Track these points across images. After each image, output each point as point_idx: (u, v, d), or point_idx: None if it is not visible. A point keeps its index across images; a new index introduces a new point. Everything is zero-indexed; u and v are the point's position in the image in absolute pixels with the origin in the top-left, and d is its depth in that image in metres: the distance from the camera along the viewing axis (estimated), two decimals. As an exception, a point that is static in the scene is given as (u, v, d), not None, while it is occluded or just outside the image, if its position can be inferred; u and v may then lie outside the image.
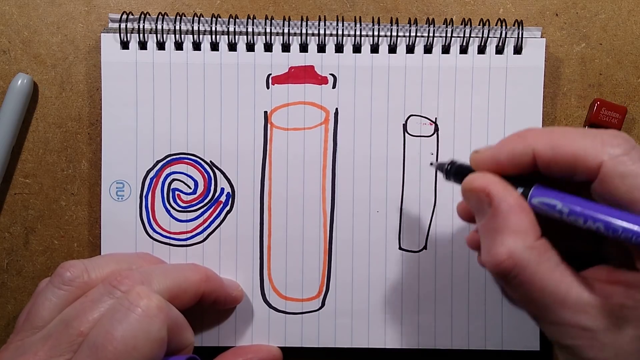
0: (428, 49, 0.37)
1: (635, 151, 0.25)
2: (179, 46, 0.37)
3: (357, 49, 0.37)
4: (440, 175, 0.37)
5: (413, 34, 0.37)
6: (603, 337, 0.25)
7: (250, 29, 0.37)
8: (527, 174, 0.27)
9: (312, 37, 0.37)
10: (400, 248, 0.37)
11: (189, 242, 0.37)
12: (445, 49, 0.37)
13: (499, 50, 0.37)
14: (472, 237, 0.31)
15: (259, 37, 0.37)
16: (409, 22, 0.37)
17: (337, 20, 0.37)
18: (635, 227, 0.24)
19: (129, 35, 0.37)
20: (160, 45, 0.37)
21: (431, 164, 0.36)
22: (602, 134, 0.25)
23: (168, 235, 0.37)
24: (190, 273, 0.33)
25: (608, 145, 0.25)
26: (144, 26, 0.36)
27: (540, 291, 0.25)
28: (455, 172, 0.30)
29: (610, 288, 0.26)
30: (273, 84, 0.37)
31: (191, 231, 0.37)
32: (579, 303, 0.25)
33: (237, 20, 0.37)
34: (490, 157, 0.28)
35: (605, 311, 0.25)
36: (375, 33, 0.37)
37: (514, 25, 0.37)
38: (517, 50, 0.37)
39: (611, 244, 0.27)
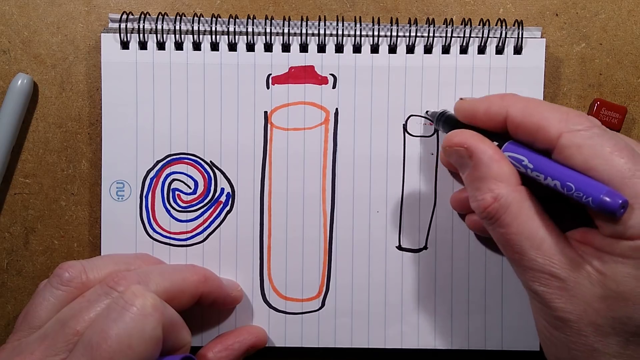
0: (428, 49, 0.37)
1: (596, 129, 0.27)
2: (179, 46, 0.37)
3: (357, 49, 0.37)
4: (440, 175, 0.37)
5: (413, 34, 0.37)
6: (572, 288, 0.26)
7: (250, 29, 0.37)
8: (500, 131, 0.30)
9: (312, 37, 0.37)
10: (400, 248, 0.37)
11: (189, 242, 0.37)
12: (446, 49, 0.37)
13: (499, 51, 0.37)
14: (456, 196, 0.36)
15: (259, 37, 0.37)
16: (409, 22, 0.37)
17: (337, 20, 0.37)
18: (585, 187, 0.26)
19: (129, 35, 0.37)
20: (161, 45, 0.37)
21: (427, 112, 0.37)
22: (569, 111, 0.28)
23: (168, 235, 0.37)
24: (188, 274, 0.33)
25: (571, 122, 0.27)
26: (144, 26, 0.36)
27: (518, 234, 0.27)
28: (445, 120, 0.34)
29: (583, 247, 0.27)
30: (273, 84, 0.37)
31: (191, 231, 0.37)
32: (553, 251, 0.27)
33: (237, 20, 0.37)
34: (470, 107, 0.31)
35: (577, 265, 0.27)
36: (375, 33, 0.37)
37: (514, 25, 0.37)
38: (517, 50, 0.37)
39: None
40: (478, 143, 0.29)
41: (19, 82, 0.37)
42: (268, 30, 0.37)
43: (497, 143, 0.30)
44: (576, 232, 0.29)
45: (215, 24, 0.37)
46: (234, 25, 0.37)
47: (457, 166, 0.31)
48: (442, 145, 0.31)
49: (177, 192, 0.37)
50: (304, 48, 0.37)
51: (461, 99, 0.33)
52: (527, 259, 0.27)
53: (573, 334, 0.27)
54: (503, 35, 0.37)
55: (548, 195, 0.29)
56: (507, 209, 0.27)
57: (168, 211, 0.37)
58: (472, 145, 0.29)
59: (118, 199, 0.37)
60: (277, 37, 0.37)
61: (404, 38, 0.37)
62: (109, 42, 0.37)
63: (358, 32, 0.37)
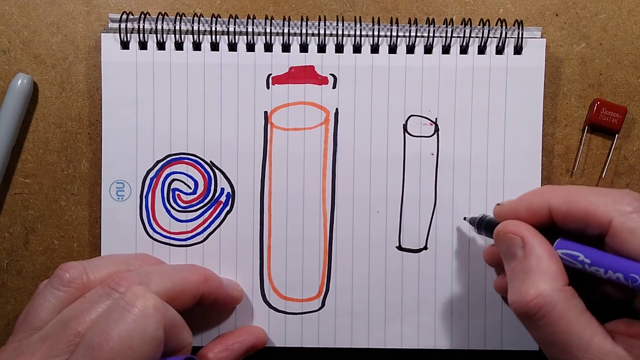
0: (428, 49, 0.37)
1: None
2: (179, 46, 0.37)
3: (357, 49, 0.37)
4: (440, 175, 0.37)
5: (413, 34, 0.37)
6: None
7: (250, 29, 0.37)
8: (545, 227, 0.30)
9: (312, 37, 0.37)
10: (400, 248, 0.37)
11: (189, 242, 0.37)
12: (446, 49, 0.37)
13: (499, 51, 0.37)
14: (500, 282, 0.35)
15: (259, 37, 0.37)
16: (409, 22, 0.37)
17: (337, 20, 0.37)
18: None
19: (129, 35, 0.37)
20: (161, 45, 0.37)
21: (464, 218, 0.37)
22: (614, 192, 0.28)
23: (168, 235, 0.37)
24: (189, 274, 0.33)
25: (618, 203, 0.27)
26: (144, 26, 0.36)
27: (566, 333, 0.27)
28: (486, 225, 0.33)
29: (630, 340, 0.27)
30: (273, 84, 0.37)
31: (191, 231, 0.37)
32: (601, 350, 0.26)
33: (237, 20, 0.37)
34: (511, 209, 0.31)
35: None
36: (376, 33, 0.37)
37: (514, 25, 0.37)
38: (517, 50, 0.37)
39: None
40: (532, 236, 0.29)
41: (19, 82, 0.37)
42: (268, 30, 0.37)
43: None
44: (618, 323, 0.28)
45: (215, 24, 0.37)
46: (234, 25, 0.37)
47: (504, 255, 0.30)
48: (495, 231, 0.31)
49: (177, 192, 0.37)
50: (304, 48, 0.37)
51: (498, 205, 0.32)
52: (576, 359, 0.27)
53: None
54: (503, 35, 0.37)
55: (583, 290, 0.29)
56: (553, 307, 0.27)
57: (168, 211, 0.37)
58: (527, 237, 0.29)
59: (118, 199, 0.37)
60: (277, 37, 0.37)
61: (404, 38, 0.37)
62: (109, 42, 0.37)
63: (358, 32, 0.37)
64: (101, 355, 0.27)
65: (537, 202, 0.30)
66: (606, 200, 0.27)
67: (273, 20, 0.37)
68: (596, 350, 0.26)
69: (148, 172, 0.37)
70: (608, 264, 0.27)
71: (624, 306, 0.30)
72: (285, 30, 0.37)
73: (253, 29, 0.37)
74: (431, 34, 0.37)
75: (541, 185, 0.37)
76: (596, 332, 0.27)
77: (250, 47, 0.37)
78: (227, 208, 0.37)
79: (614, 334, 0.27)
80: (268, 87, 0.37)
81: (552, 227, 0.30)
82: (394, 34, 0.37)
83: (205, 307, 0.35)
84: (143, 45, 0.37)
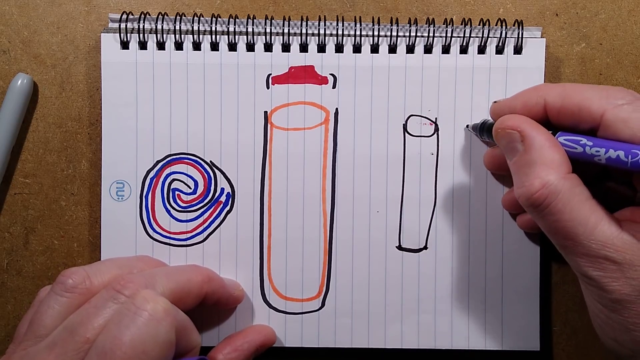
0: (428, 49, 0.37)
1: (639, 102, 0.27)
2: (179, 46, 0.37)
3: (357, 49, 0.37)
4: (440, 175, 0.37)
5: (413, 34, 0.37)
6: (628, 271, 0.26)
7: (250, 29, 0.37)
8: (542, 124, 0.30)
9: (312, 37, 0.37)
10: (400, 248, 0.37)
11: (189, 242, 0.37)
12: (446, 49, 0.37)
13: (499, 51, 0.37)
14: (507, 197, 0.36)
15: (259, 37, 0.37)
16: (409, 22, 0.37)
17: (337, 20, 0.37)
18: None
19: (129, 35, 0.37)
20: (160, 45, 0.37)
21: (467, 126, 0.37)
22: (608, 88, 0.28)
23: (168, 235, 0.37)
24: (192, 274, 0.33)
25: (612, 97, 0.27)
26: (144, 26, 0.36)
27: (571, 221, 0.27)
28: (488, 128, 0.33)
29: (636, 226, 0.27)
30: (273, 84, 0.37)
31: (191, 231, 0.37)
32: (607, 235, 0.27)
33: (237, 20, 0.37)
34: (507, 106, 0.31)
35: (632, 246, 0.26)
36: (375, 33, 0.37)
37: (514, 25, 0.37)
38: (517, 50, 0.37)
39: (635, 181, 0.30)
40: (531, 127, 0.29)
41: (19, 82, 0.37)
42: (268, 30, 0.37)
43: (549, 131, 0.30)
44: (625, 211, 0.29)
45: (215, 24, 0.37)
46: (234, 25, 0.37)
47: (505, 151, 0.31)
48: (494, 128, 0.31)
49: (177, 192, 0.37)
50: (304, 48, 0.37)
51: (494, 102, 0.33)
52: (581, 245, 0.27)
53: (632, 315, 0.27)
54: (503, 35, 0.37)
55: (591, 180, 0.29)
56: (557, 195, 0.27)
57: (168, 211, 0.37)
58: (526, 129, 0.29)
59: (118, 199, 0.37)
60: (277, 37, 0.37)
61: (404, 38, 0.37)
62: (109, 42, 0.37)
63: (358, 32, 0.37)
64: None
65: (533, 97, 0.30)
66: (600, 94, 0.28)
67: (273, 20, 0.37)
68: (601, 235, 0.27)
69: (148, 172, 0.37)
70: (609, 144, 0.27)
71: (627, 200, 0.30)
72: (285, 30, 0.37)
73: (253, 29, 0.37)
74: (431, 34, 0.37)
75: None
76: (601, 218, 0.27)
77: (250, 47, 0.37)
78: (227, 208, 0.37)
79: (620, 222, 0.28)
80: (268, 87, 0.37)
81: (547, 125, 0.30)
82: (394, 34, 0.37)
83: (207, 307, 0.35)
84: (143, 45, 0.37)
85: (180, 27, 0.37)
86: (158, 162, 0.37)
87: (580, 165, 0.29)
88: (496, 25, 0.37)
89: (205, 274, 0.34)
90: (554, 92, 0.29)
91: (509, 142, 0.30)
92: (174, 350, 0.29)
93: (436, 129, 0.37)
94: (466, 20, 0.37)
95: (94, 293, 0.31)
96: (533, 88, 0.31)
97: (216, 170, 0.37)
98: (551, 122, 0.30)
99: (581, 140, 0.28)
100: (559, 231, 0.28)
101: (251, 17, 0.37)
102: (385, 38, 0.37)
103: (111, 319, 0.28)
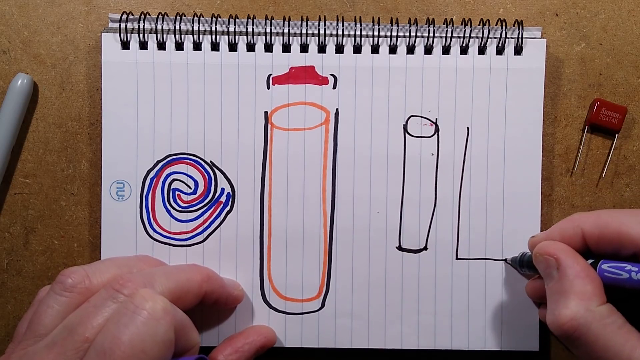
0: (428, 50, 0.37)
1: None
2: (179, 46, 0.37)
3: (357, 49, 0.37)
4: (440, 175, 0.37)
5: (413, 34, 0.37)
6: None
7: (250, 29, 0.37)
8: (583, 253, 0.30)
9: (313, 38, 0.37)
10: (400, 248, 0.37)
11: (189, 242, 0.37)
12: (446, 50, 0.37)
13: (499, 51, 0.37)
14: (532, 285, 0.36)
15: (259, 37, 0.37)
16: (409, 22, 0.37)
17: (337, 21, 0.37)
18: None
19: (129, 35, 0.36)
20: (161, 45, 0.37)
21: (506, 260, 0.37)
22: None
23: (168, 235, 0.37)
24: (191, 274, 0.33)
25: None
26: (144, 26, 0.36)
27: (604, 351, 0.27)
28: (527, 262, 0.34)
29: None
30: (273, 84, 0.37)
31: (191, 231, 0.37)
32: None
33: (237, 20, 0.37)
34: (544, 239, 0.32)
35: None
36: (376, 33, 0.37)
37: (514, 26, 0.37)
38: (518, 50, 0.37)
39: None
40: (567, 256, 0.29)
41: (19, 82, 0.37)
42: (268, 30, 0.37)
43: (591, 261, 0.30)
44: None
45: (216, 24, 0.37)
46: (234, 25, 0.37)
47: (543, 276, 0.31)
48: (533, 253, 0.32)
49: (177, 192, 0.37)
50: (304, 48, 0.37)
51: (532, 237, 0.34)
52: None
53: None
54: (503, 35, 0.37)
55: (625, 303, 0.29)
56: (588, 328, 0.27)
57: (168, 211, 0.37)
58: (561, 257, 0.29)
59: (118, 199, 0.37)
60: (277, 37, 0.37)
61: (404, 38, 0.37)
62: (109, 42, 0.37)
63: (358, 32, 0.37)
64: None
65: (570, 229, 0.30)
66: (637, 219, 0.28)
67: (273, 20, 0.37)
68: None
69: (148, 172, 0.37)
70: None
71: None
72: (286, 31, 0.37)
73: (253, 29, 0.37)
74: (431, 34, 0.37)
75: (540, 185, 0.37)
76: (637, 345, 0.27)
77: (251, 47, 0.37)
78: (227, 208, 0.37)
79: None
80: (268, 87, 0.37)
81: (588, 253, 0.30)
82: (394, 34, 0.37)
83: (206, 307, 0.35)
84: (143, 45, 0.37)
85: (180, 27, 0.37)
86: (158, 162, 0.37)
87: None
88: (496, 25, 0.37)
89: (204, 274, 0.34)
90: (589, 221, 0.30)
91: (546, 267, 0.30)
92: (172, 349, 0.29)
93: (436, 130, 0.37)
94: (466, 20, 0.37)
95: (94, 292, 0.31)
96: (567, 219, 0.31)
97: (216, 171, 0.37)
98: (592, 250, 0.30)
99: (626, 267, 0.28)
100: None
101: (251, 17, 0.37)
102: (385, 38, 0.37)
103: (110, 318, 0.28)
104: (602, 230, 0.29)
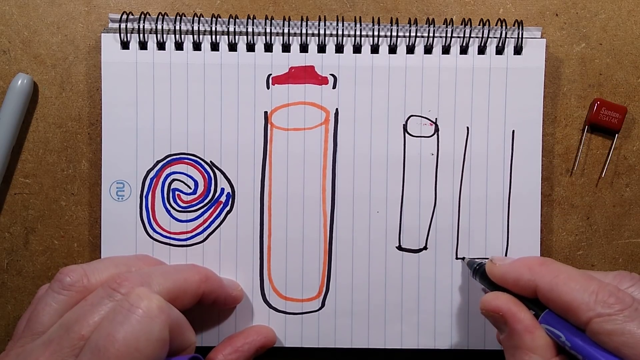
0: (428, 49, 0.37)
1: (627, 312, 0.26)
2: (179, 46, 0.37)
3: (357, 49, 0.37)
4: (440, 175, 0.37)
5: (413, 34, 0.37)
6: None
7: (250, 29, 0.37)
8: (533, 297, 0.30)
9: (312, 38, 0.37)
10: (400, 248, 0.37)
11: (189, 242, 0.37)
12: (446, 49, 0.37)
13: (499, 51, 0.37)
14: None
15: (259, 37, 0.37)
16: (409, 22, 0.37)
17: (337, 21, 0.37)
18: None
19: (129, 35, 0.37)
20: (161, 46, 0.37)
21: (463, 258, 0.37)
22: (599, 291, 0.27)
23: (168, 235, 0.37)
24: (189, 274, 0.33)
25: (600, 305, 0.27)
26: (144, 26, 0.36)
27: None
28: (481, 276, 0.34)
29: None
30: (273, 84, 0.37)
31: (191, 231, 0.37)
32: None
33: (237, 20, 0.37)
34: (500, 276, 0.31)
35: None
36: (376, 33, 0.37)
37: (513, 26, 0.37)
38: (517, 50, 0.37)
39: None
40: (514, 311, 0.29)
41: (19, 82, 0.37)
42: (268, 30, 0.37)
43: (534, 312, 0.29)
44: None
45: (215, 24, 0.37)
46: (234, 25, 0.37)
47: (495, 327, 0.31)
48: (480, 306, 0.31)
49: (177, 192, 0.37)
50: (304, 48, 0.37)
51: (491, 260, 0.33)
52: None
53: None
54: (503, 35, 0.37)
55: None
56: None
57: (168, 211, 0.37)
58: (507, 313, 0.29)
59: (118, 199, 0.37)
60: (277, 37, 0.37)
61: (404, 38, 0.37)
62: (109, 42, 0.37)
63: (358, 32, 0.37)
64: (107, 358, 0.26)
65: (525, 279, 0.30)
66: (588, 298, 0.27)
67: (273, 20, 0.37)
68: None
69: (148, 172, 0.37)
70: (587, 353, 0.27)
71: None
72: (285, 31, 0.37)
73: (253, 29, 0.37)
74: (431, 34, 0.37)
75: (540, 185, 0.37)
76: None
77: (250, 47, 0.37)
78: (227, 208, 0.37)
79: None
80: (268, 87, 0.37)
81: (536, 301, 0.30)
82: (394, 34, 0.37)
83: (205, 307, 0.35)
84: (143, 46, 0.37)
85: (180, 27, 0.37)
86: (158, 162, 0.37)
87: None
88: (496, 25, 0.37)
89: (202, 273, 0.34)
90: (544, 281, 0.29)
91: (494, 322, 0.31)
92: (167, 348, 0.29)
93: (436, 130, 0.37)
94: (466, 20, 0.37)
95: (91, 291, 0.31)
96: (528, 266, 0.30)
97: (216, 171, 0.37)
98: (540, 302, 0.30)
99: (561, 337, 0.28)
100: None
101: (251, 17, 0.37)
102: (385, 38, 0.37)
103: (106, 316, 0.28)
104: (552, 296, 0.28)
